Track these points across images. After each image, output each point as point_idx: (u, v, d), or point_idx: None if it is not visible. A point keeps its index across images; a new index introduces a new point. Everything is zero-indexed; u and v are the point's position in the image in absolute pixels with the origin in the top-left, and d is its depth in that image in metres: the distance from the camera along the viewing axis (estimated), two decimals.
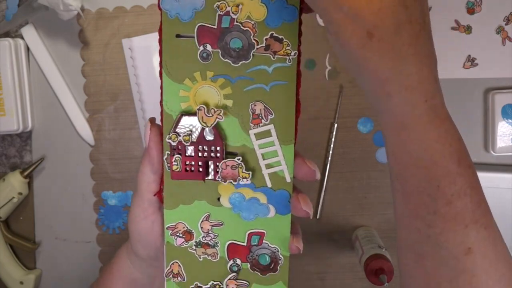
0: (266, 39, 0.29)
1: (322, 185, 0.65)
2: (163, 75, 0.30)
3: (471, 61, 0.64)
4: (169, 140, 0.31)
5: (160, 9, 0.30)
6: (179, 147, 0.31)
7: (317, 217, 0.66)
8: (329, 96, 0.65)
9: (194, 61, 0.29)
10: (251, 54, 0.29)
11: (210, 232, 0.33)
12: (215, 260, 0.34)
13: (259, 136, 0.31)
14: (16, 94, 0.64)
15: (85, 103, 0.66)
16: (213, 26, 0.29)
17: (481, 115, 0.65)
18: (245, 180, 0.31)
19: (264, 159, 0.31)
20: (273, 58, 0.29)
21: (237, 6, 0.28)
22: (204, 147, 0.31)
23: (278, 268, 0.34)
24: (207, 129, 0.30)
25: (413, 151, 0.27)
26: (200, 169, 0.31)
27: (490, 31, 0.63)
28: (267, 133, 0.31)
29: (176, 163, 0.31)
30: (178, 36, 0.29)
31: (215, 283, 0.34)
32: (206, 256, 0.34)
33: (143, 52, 0.65)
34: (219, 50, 0.29)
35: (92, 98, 0.66)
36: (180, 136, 0.31)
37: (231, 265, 0.34)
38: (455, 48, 0.64)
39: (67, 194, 0.67)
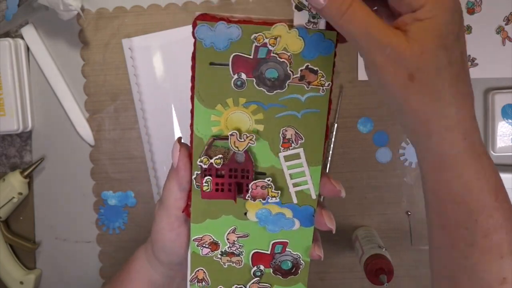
0: (301, 70, 0.30)
1: None
2: (195, 101, 0.31)
3: (471, 61, 0.64)
4: (201, 163, 0.32)
5: (194, 37, 0.30)
6: (210, 169, 0.32)
7: None
8: None
9: (227, 88, 0.30)
10: (286, 84, 0.30)
11: (235, 242, 0.35)
12: (239, 266, 0.35)
13: (288, 158, 0.32)
14: (16, 94, 0.64)
15: (85, 103, 0.66)
16: (249, 56, 0.29)
17: (481, 115, 0.65)
18: (273, 199, 0.33)
19: (292, 179, 0.33)
20: (307, 88, 0.30)
21: (275, 38, 0.29)
22: (235, 169, 0.32)
23: (299, 271, 0.35)
24: (238, 153, 0.32)
25: (453, 188, 0.29)
26: (230, 190, 0.33)
27: (490, 31, 0.63)
28: (296, 156, 0.32)
29: (206, 184, 0.32)
30: (211, 64, 0.30)
31: (238, 286, 0.36)
32: (231, 263, 0.35)
33: (143, 52, 0.65)
34: (254, 79, 0.30)
35: (92, 98, 0.66)
36: (211, 159, 0.32)
37: (254, 270, 0.35)
38: None
39: (67, 194, 0.67)
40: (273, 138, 0.32)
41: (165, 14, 0.65)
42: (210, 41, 0.30)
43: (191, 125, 0.32)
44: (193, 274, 0.36)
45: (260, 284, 0.36)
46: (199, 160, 0.32)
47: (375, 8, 0.30)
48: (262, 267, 0.35)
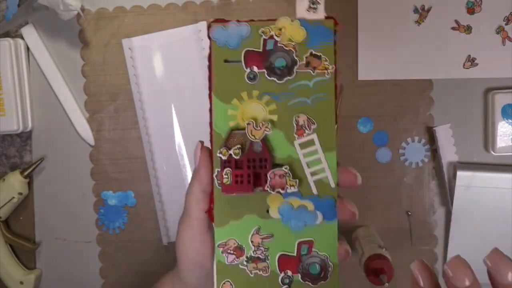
0: (306, 57, 0.33)
1: None
2: (213, 98, 0.34)
3: (471, 61, 0.64)
4: (220, 155, 0.33)
5: (209, 38, 0.33)
6: (230, 161, 0.33)
7: None
8: None
9: (241, 83, 0.33)
10: (295, 71, 0.33)
11: (260, 245, 0.35)
12: (266, 274, 0.35)
13: (303, 146, 0.33)
14: (16, 94, 0.64)
15: (85, 103, 0.66)
16: (259, 50, 0.33)
17: (481, 115, 0.65)
18: (292, 188, 0.33)
19: (309, 168, 0.34)
20: (313, 73, 0.33)
21: (280, 30, 0.32)
22: (253, 159, 0.33)
23: (328, 276, 0.35)
24: (255, 142, 0.33)
25: None
26: (250, 181, 0.33)
27: (490, 31, 0.63)
28: (311, 143, 0.33)
29: (226, 176, 0.33)
30: (226, 61, 0.33)
31: None
32: (258, 271, 0.35)
33: (143, 52, 0.65)
34: (264, 70, 0.33)
35: (92, 98, 0.66)
36: (230, 150, 0.33)
37: (282, 277, 0.35)
38: (455, 48, 0.64)
39: (67, 194, 0.68)
40: (287, 126, 0.33)
41: (165, 14, 0.65)
42: (224, 40, 0.33)
43: (210, 123, 0.34)
44: (220, 287, 0.35)
45: None
46: (218, 152, 0.33)
47: None
48: (290, 273, 0.34)
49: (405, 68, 0.64)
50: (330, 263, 0.34)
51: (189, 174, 0.66)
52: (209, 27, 0.33)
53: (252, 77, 0.33)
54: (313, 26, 0.33)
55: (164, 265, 0.68)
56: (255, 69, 0.33)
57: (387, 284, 0.55)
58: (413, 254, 0.66)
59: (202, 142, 0.35)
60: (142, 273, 0.68)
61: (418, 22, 0.64)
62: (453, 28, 0.64)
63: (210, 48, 0.33)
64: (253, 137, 0.33)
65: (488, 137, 0.64)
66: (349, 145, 0.65)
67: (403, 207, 0.66)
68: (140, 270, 0.68)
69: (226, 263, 0.35)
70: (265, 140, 0.33)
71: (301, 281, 0.34)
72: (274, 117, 0.33)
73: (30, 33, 0.65)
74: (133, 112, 0.66)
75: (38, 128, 0.67)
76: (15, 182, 0.64)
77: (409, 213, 0.66)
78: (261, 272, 0.35)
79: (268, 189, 0.33)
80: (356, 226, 0.66)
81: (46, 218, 0.68)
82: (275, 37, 0.32)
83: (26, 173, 0.64)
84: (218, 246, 0.34)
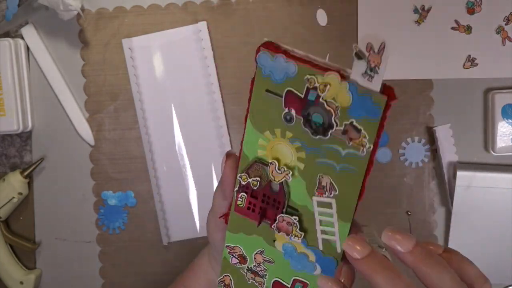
0: (345, 125, 0.29)
1: None
2: (248, 121, 0.32)
3: (471, 61, 0.64)
4: (240, 179, 0.34)
5: (256, 62, 0.30)
6: (247, 187, 0.34)
7: None
8: None
9: (277, 119, 0.31)
10: (329, 133, 0.30)
11: (261, 264, 0.36)
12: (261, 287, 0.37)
13: (320, 204, 0.32)
14: (16, 94, 0.64)
15: (85, 103, 0.66)
16: (301, 95, 0.30)
17: (481, 115, 0.65)
18: (296, 238, 0.33)
19: (321, 225, 0.33)
20: (348, 143, 0.30)
21: (325, 85, 0.29)
22: (268, 196, 0.34)
23: None
24: (274, 182, 0.33)
25: None
26: (259, 213, 0.34)
27: (490, 31, 0.63)
28: (328, 205, 0.32)
29: (241, 200, 0.34)
30: (267, 91, 0.31)
31: None
32: (254, 282, 0.37)
33: (143, 52, 0.65)
34: (301, 118, 0.30)
35: (92, 98, 0.66)
36: (249, 178, 0.33)
37: None
38: (455, 48, 0.64)
39: (67, 194, 0.68)
40: (310, 180, 0.32)
41: (165, 14, 0.65)
42: (269, 70, 0.30)
43: (242, 141, 0.33)
44: (221, 277, 0.38)
45: None
46: (239, 175, 0.33)
47: None
48: None
49: (405, 68, 0.64)
50: None
51: (189, 174, 0.66)
52: (258, 50, 0.30)
53: (289, 119, 0.31)
54: (360, 95, 0.28)
55: (164, 265, 0.68)
56: (293, 112, 0.30)
57: None
58: None
59: (230, 152, 0.35)
60: (142, 273, 0.68)
61: (418, 22, 0.64)
62: (453, 28, 0.64)
63: (255, 71, 0.31)
64: (272, 178, 0.32)
65: (488, 137, 0.64)
66: None
67: (403, 207, 0.66)
68: (140, 270, 0.68)
69: (230, 262, 0.37)
70: (283, 184, 0.33)
71: None
72: (301, 166, 0.32)
73: (30, 33, 0.65)
74: (133, 112, 0.66)
75: (38, 128, 0.67)
76: (15, 182, 0.64)
77: (409, 213, 0.66)
78: (257, 284, 0.37)
79: (274, 229, 0.34)
80: None
81: (46, 218, 0.68)
82: (319, 91, 0.29)
83: (26, 173, 0.64)
84: (226, 246, 0.36)
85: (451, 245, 0.65)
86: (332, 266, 0.34)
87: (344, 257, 0.33)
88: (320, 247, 0.33)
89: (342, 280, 0.33)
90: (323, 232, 0.33)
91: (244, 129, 0.32)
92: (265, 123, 0.32)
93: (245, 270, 0.37)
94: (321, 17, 0.65)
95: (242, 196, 0.34)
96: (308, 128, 0.30)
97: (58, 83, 0.66)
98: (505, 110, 0.63)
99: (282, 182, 0.32)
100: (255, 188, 0.33)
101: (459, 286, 0.28)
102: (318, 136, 0.30)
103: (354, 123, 0.29)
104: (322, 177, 0.31)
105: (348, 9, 0.64)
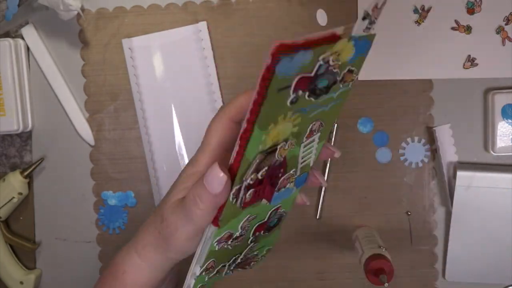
0: (344, 73, 0.30)
1: None
2: (255, 127, 0.28)
3: (471, 61, 0.64)
4: (248, 181, 0.31)
5: (272, 69, 0.25)
6: (254, 182, 0.32)
7: (317, 217, 0.66)
8: None
9: (283, 107, 0.29)
10: (331, 88, 0.31)
11: (246, 226, 0.36)
12: (241, 242, 0.38)
13: (306, 145, 0.34)
14: (16, 94, 0.64)
15: (85, 103, 0.66)
16: (310, 74, 0.28)
17: (481, 115, 0.65)
18: (291, 184, 0.35)
19: (302, 159, 0.34)
20: (342, 86, 0.31)
21: (336, 53, 0.28)
22: (274, 172, 0.33)
23: (280, 223, 0.40)
24: (279, 159, 0.32)
25: None
26: (272, 192, 0.34)
27: (490, 31, 0.63)
28: (312, 141, 0.34)
29: (249, 195, 0.33)
30: (279, 90, 0.27)
31: (235, 257, 0.39)
32: (237, 243, 0.37)
33: (143, 52, 0.65)
34: (307, 91, 0.29)
35: (92, 98, 0.66)
36: (259, 173, 0.31)
37: (251, 239, 0.38)
38: (455, 48, 0.64)
39: (67, 194, 0.67)
40: (302, 134, 0.32)
41: (165, 14, 0.65)
42: (286, 71, 0.26)
43: (241, 146, 0.30)
44: (204, 266, 0.36)
45: (251, 244, 0.39)
46: (248, 178, 0.31)
47: None
48: (257, 233, 0.38)
49: (405, 68, 0.64)
50: (284, 213, 0.39)
51: None
52: (274, 56, 0.25)
53: (295, 100, 0.28)
54: (360, 42, 0.29)
55: None
56: (300, 92, 0.28)
57: (387, 284, 0.55)
58: (413, 254, 0.66)
59: (220, 166, 0.32)
60: None
61: (418, 22, 0.64)
62: (453, 28, 0.64)
63: (268, 77, 0.26)
64: (280, 157, 0.31)
65: (488, 137, 0.64)
66: (349, 145, 0.65)
67: (403, 207, 0.66)
68: None
69: (217, 249, 0.36)
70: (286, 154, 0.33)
71: (262, 235, 0.39)
72: (295, 129, 0.31)
73: (30, 33, 0.65)
74: (133, 112, 0.66)
75: (38, 128, 0.67)
76: (15, 182, 0.64)
77: (409, 213, 0.66)
78: (238, 243, 0.38)
79: (276, 190, 0.34)
80: (356, 226, 0.66)
81: (46, 218, 0.68)
82: (330, 61, 0.28)
83: (26, 173, 0.64)
84: (215, 242, 0.35)
85: (451, 245, 0.65)
86: (304, 177, 0.36)
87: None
88: (298, 173, 0.35)
89: (333, 149, 0.37)
90: (302, 162, 0.35)
91: (247, 132, 0.29)
92: (270, 118, 0.29)
93: (230, 243, 0.36)
94: (321, 17, 0.65)
95: (250, 192, 0.32)
96: (312, 96, 0.29)
97: (58, 83, 0.66)
98: (505, 110, 0.63)
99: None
100: (263, 177, 0.32)
101: None
102: (321, 97, 0.30)
103: (351, 68, 0.30)
104: (314, 124, 0.32)
105: (348, 9, 0.64)
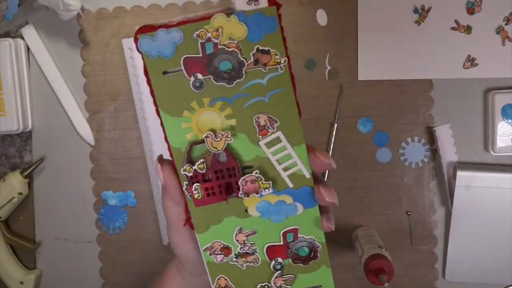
0: (253, 54, 0.29)
1: None
2: (161, 113, 0.30)
3: (471, 61, 0.64)
4: (185, 172, 0.32)
5: (139, 51, 0.29)
6: (196, 176, 0.32)
7: None
8: (329, 96, 0.65)
9: (188, 92, 0.30)
10: (244, 72, 0.30)
11: (246, 242, 0.35)
12: (257, 265, 0.35)
13: (269, 145, 0.32)
14: (16, 94, 0.64)
15: (85, 103, 0.66)
16: (198, 55, 0.29)
17: (481, 115, 0.65)
18: (266, 190, 0.32)
19: (280, 164, 0.32)
20: (265, 70, 0.30)
21: (217, 30, 0.28)
22: (220, 170, 0.32)
23: (318, 254, 0.36)
24: (218, 153, 0.31)
25: None
26: (221, 191, 0.32)
27: (490, 31, 0.63)
28: (277, 140, 0.32)
29: (196, 191, 0.32)
30: (165, 73, 0.29)
31: (263, 284, 0.36)
32: (249, 263, 0.35)
33: None
34: (210, 76, 0.29)
35: (92, 98, 0.66)
36: (194, 165, 0.31)
37: (273, 264, 0.35)
38: (455, 48, 0.64)
39: (67, 194, 0.68)
40: (248, 128, 0.31)
41: (165, 14, 0.65)
42: (156, 51, 0.29)
43: (165, 138, 0.32)
44: (215, 283, 0.36)
45: (283, 276, 0.36)
46: (182, 170, 0.32)
47: None
48: (280, 259, 0.35)
49: (405, 68, 0.64)
50: (317, 243, 0.35)
51: None
52: (135, 39, 0.28)
53: (198, 85, 0.29)
54: (252, 18, 0.28)
55: (164, 265, 0.68)
56: (200, 76, 0.29)
57: (387, 284, 0.55)
58: (413, 254, 0.66)
59: (160, 157, 0.34)
60: (142, 273, 0.68)
61: (418, 22, 0.64)
62: (453, 28, 0.64)
63: (143, 62, 0.29)
64: (215, 149, 0.31)
65: (488, 137, 0.64)
66: (349, 145, 0.65)
67: (403, 207, 0.66)
68: (140, 270, 0.68)
69: (216, 262, 0.35)
70: (228, 149, 0.31)
71: (292, 264, 0.35)
72: (233, 122, 0.31)
73: (30, 33, 0.65)
74: (133, 112, 0.66)
75: (38, 128, 0.67)
76: (15, 182, 0.64)
77: (409, 213, 0.66)
78: (252, 264, 0.35)
79: (242, 196, 0.32)
80: (356, 226, 0.66)
81: (46, 218, 0.68)
82: (213, 39, 0.28)
83: (26, 173, 0.64)
84: (204, 250, 0.34)
85: (451, 245, 0.65)
86: (309, 193, 0.33)
87: (315, 178, 0.33)
88: (290, 185, 0.33)
89: (327, 199, 0.33)
90: (285, 169, 0.32)
91: (161, 124, 0.31)
92: (178, 104, 0.30)
93: (235, 259, 0.35)
94: (321, 17, 0.65)
95: (196, 187, 0.32)
96: (221, 80, 0.29)
97: (58, 83, 0.66)
98: (505, 110, 0.63)
99: (225, 147, 0.31)
100: (204, 170, 0.31)
101: None
102: (235, 82, 0.30)
103: (260, 47, 0.29)
104: (258, 118, 0.31)
105: (348, 9, 0.64)
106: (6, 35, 0.65)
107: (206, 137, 0.31)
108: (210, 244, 0.34)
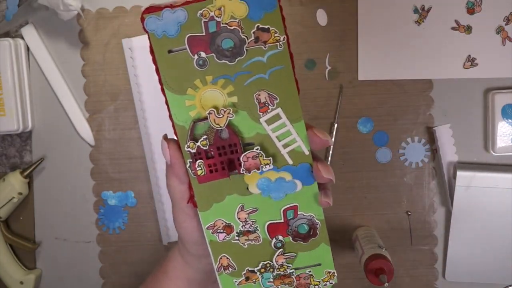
0: (254, 33, 0.31)
1: None
2: (166, 91, 0.32)
3: (471, 61, 0.64)
4: (188, 149, 0.33)
5: (146, 31, 0.31)
6: (199, 152, 0.33)
7: None
8: (329, 96, 0.65)
9: (191, 71, 0.31)
10: (245, 49, 0.31)
11: (247, 220, 0.35)
12: (259, 243, 0.36)
13: (270, 121, 0.33)
14: (16, 94, 0.64)
15: (85, 103, 0.66)
16: (202, 34, 0.30)
17: (481, 115, 0.65)
18: (267, 166, 0.33)
19: (280, 141, 0.33)
20: (265, 48, 0.31)
21: (219, 9, 0.30)
22: (222, 146, 0.33)
23: (318, 232, 0.36)
24: (221, 129, 0.33)
25: None
26: (224, 168, 0.33)
27: (490, 31, 0.63)
28: (277, 117, 0.33)
29: (200, 168, 0.33)
30: (170, 51, 0.31)
31: (264, 262, 0.37)
32: (250, 241, 0.36)
33: (143, 52, 0.65)
34: (213, 54, 0.31)
35: (92, 98, 0.66)
36: (197, 142, 0.33)
37: (274, 242, 0.36)
38: (455, 48, 0.64)
39: (67, 194, 0.68)
40: (249, 106, 0.32)
41: None
42: (162, 30, 0.30)
43: (170, 116, 0.33)
44: (218, 263, 0.37)
45: (285, 254, 0.37)
46: (186, 146, 0.33)
47: None
48: (280, 237, 0.36)
49: (405, 68, 0.64)
50: (316, 220, 0.36)
51: None
52: (142, 19, 0.31)
53: (202, 63, 0.31)
54: None
55: None
56: (203, 54, 0.31)
57: (387, 284, 0.55)
58: (413, 254, 0.66)
59: (165, 136, 0.35)
60: (142, 273, 0.68)
61: (418, 22, 0.64)
62: (453, 28, 0.64)
63: (149, 41, 0.31)
64: (217, 126, 0.32)
65: (488, 137, 0.64)
66: (349, 145, 0.65)
67: (403, 207, 0.66)
68: (140, 270, 0.68)
69: (218, 241, 0.36)
70: (230, 125, 0.32)
71: (293, 241, 0.36)
72: (234, 99, 0.32)
73: (30, 33, 0.65)
74: (133, 112, 0.66)
75: (38, 128, 0.67)
76: (15, 182, 0.64)
77: (409, 213, 0.66)
78: (253, 242, 0.36)
79: (244, 172, 0.33)
80: (356, 226, 0.66)
81: (46, 218, 0.68)
82: (216, 18, 0.30)
83: (26, 173, 0.64)
84: (206, 228, 0.35)
85: (451, 245, 0.65)
86: (308, 170, 0.34)
87: (313, 156, 0.34)
88: (290, 162, 0.34)
89: (324, 176, 0.34)
90: (285, 145, 0.33)
91: (166, 102, 0.32)
92: (182, 82, 0.32)
93: (236, 238, 0.36)
94: (321, 17, 0.65)
95: (199, 164, 0.33)
96: (223, 58, 0.31)
97: (58, 83, 0.66)
98: (505, 110, 0.63)
99: (227, 124, 0.32)
100: (207, 147, 0.33)
101: None
102: (236, 60, 0.31)
103: (260, 25, 0.30)
104: (259, 95, 0.32)
105: (348, 9, 0.64)
106: (6, 35, 0.65)
107: (209, 113, 0.32)
108: (213, 223, 0.35)
